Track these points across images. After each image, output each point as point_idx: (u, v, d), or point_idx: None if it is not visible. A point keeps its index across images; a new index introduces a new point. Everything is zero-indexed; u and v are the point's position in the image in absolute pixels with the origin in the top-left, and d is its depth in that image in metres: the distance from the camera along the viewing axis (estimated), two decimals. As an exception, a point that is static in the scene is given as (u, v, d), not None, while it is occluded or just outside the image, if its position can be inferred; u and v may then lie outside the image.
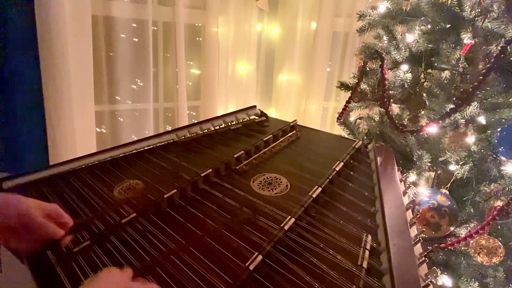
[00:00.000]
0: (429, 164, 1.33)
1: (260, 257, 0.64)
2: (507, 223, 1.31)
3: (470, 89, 1.19)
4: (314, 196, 0.84)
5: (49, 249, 0.65)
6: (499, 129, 1.21)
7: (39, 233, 0.62)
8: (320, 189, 0.86)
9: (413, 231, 0.75)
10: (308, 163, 1.04)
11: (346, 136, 1.58)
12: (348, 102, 1.59)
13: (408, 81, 1.46)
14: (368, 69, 1.56)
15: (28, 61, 1.53)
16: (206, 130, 1.22)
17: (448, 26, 1.32)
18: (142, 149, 1.13)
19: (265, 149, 1.09)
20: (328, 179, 0.91)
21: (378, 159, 1.04)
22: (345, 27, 2.50)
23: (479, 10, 1.24)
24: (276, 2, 2.46)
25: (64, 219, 0.67)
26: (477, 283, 1.31)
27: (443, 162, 1.33)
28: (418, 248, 0.70)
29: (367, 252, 0.66)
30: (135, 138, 1.22)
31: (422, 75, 1.47)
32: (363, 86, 1.56)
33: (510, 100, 1.23)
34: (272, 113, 2.67)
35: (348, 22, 2.48)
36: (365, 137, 1.56)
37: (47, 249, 0.65)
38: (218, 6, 2.11)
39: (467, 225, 1.34)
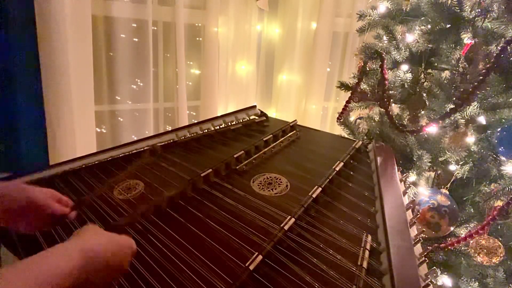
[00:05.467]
0: (429, 164, 1.32)
1: (260, 257, 0.64)
2: (507, 223, 1.31)
3: (470, 89, 1.19)
4: (314, 196, 0.83)
5: (58, 225, 0.73)
6: (499, 129, 1.21)
7: (46, 212, 0.67)
8: (320, 189, 0.86)
9: (413, 231, 0.75)
10: (308, 163, 1.04)
11: (346, 136, 1.58)
12: (348, 102, 1.59)
13: (408, 81, 1.46)
14: (368, 69, 1.56)
15: (28, 61, 1.53)
16: (206, 130, 1.22)
17: (448, 26, 1.32)
18: (142, 149, 1.13)
19: (265, 149, 1.09)
20: (328, 179, 0.91)
21: (378, 159, 1.03)
22: (345, 27, 2.50)
23: (479, 10, 1.24)
24: (276, 2, 2.45)
25: (63, 199, 0.73)
26: (477, 283, 1.31)
27: (443, 162, 1.33)
28: (418, 248, 0.70)
29: (367, 252, 0.66)
30: (135, 138, 1.21)
31: (422, 75, 1.46)
32: (363, 86, 1.56)
33: (510, 100, 1.23)
34: (272, 113, 2.67)
35: (348, 22, 2.48)
36: (365, 137, 1.56)
37: (56, 224, 0.72)
38: (218, 6, 2.11)
39: (467, 225, 1.34)
